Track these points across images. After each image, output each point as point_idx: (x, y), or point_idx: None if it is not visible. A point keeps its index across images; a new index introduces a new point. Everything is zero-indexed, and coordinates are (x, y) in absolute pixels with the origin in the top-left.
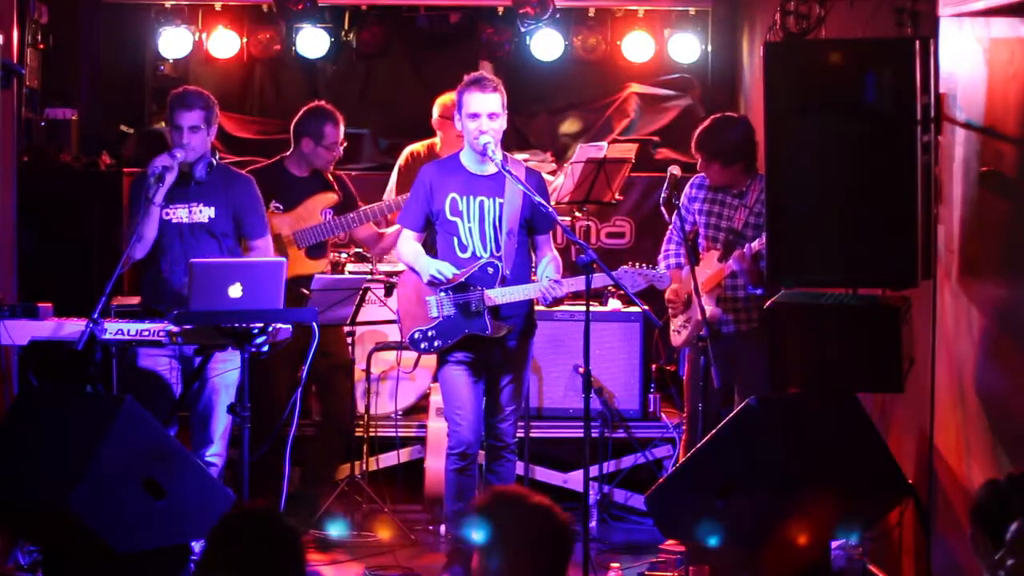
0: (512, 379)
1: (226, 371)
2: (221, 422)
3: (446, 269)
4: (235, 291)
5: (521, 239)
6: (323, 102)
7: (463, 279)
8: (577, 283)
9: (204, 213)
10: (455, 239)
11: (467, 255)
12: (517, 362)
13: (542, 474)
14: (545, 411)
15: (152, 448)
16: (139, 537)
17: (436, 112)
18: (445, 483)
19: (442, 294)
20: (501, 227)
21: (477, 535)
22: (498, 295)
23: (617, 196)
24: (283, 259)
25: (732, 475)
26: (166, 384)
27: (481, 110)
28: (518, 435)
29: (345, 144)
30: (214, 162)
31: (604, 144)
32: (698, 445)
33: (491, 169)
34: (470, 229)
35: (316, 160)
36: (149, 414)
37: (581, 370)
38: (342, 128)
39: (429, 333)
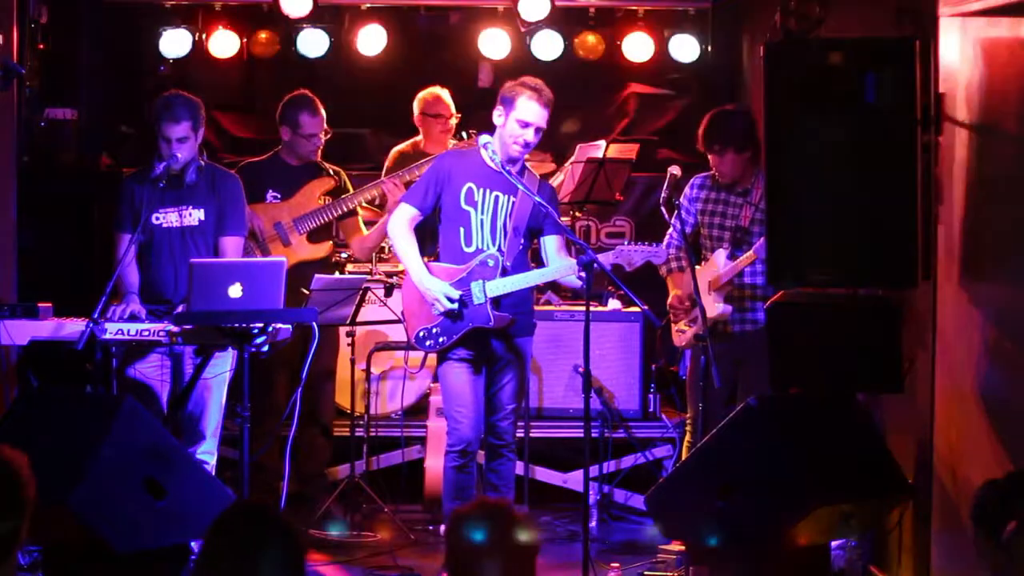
0: (513, 377)
1: (220, 369)
2: (213, 419)
3: (454, 293)
4: (235, 291)
5: (525, 242)
6: (304, 91)
7: (464, 274)
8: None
9: (194, 216)
10: (462, 230)
11: (471, 249)
12: (518, 360)
13: (542, 474)
14: (545, 411)
15: (152, 448)
16: (139, 537)
17: (417, 109)
18: (444, 481)
19: (448, 290)
20: (509, 223)
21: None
22: (499, 286)
23: (617, 196)
24: (283, 259)
25: (732, 475)
26: (153, 393)
27: (534, 121)
28: (518, 435)
29: (329, 134)
30: (202, 164)
31: (604, 144)
32: (698, 445)
33: (510, 168)
34: (482, 221)
35: (298, 149)
36: (149, 414)
37: (581, 370)
38: (322, 117)
39: (434, 330)
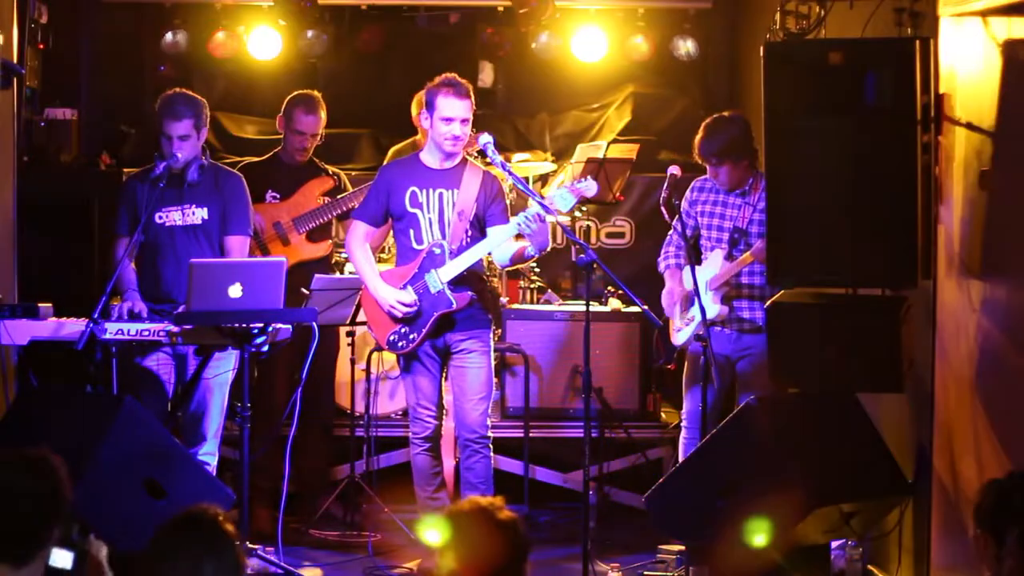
0: (476, 366)
1: (221, 369)
2: (215, 421)
3: (406, 298)
4: (235, 291)
5: (473, 231)
6: (311, 91)
7: (415, 270)
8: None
9: (197, 215)
10: (412, 232)
11: (421, 247)
12: (478, 350)
13: (542, 474)
14: (545, 411)
15: (152, 448)
16: (139, 537)
17: (415, 110)
18: (414, 469)
19: (406, 290)
20: (453, 213)
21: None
22: (451, 268)
23: (617, 196)
24: (283, 258)
25: (732, 475)
26: (161, 382)
27: (456, 115)
28: (516, 435)
29: (320, 140)
30: (205, 163)
31: (604, 144)
32: (698, 445)
33: (449, 164)
34: (430, 220)
35: (287, 144)
36: (150, 414)
37: (581, 370)
38: (317, 118)
39: (402, 330)
